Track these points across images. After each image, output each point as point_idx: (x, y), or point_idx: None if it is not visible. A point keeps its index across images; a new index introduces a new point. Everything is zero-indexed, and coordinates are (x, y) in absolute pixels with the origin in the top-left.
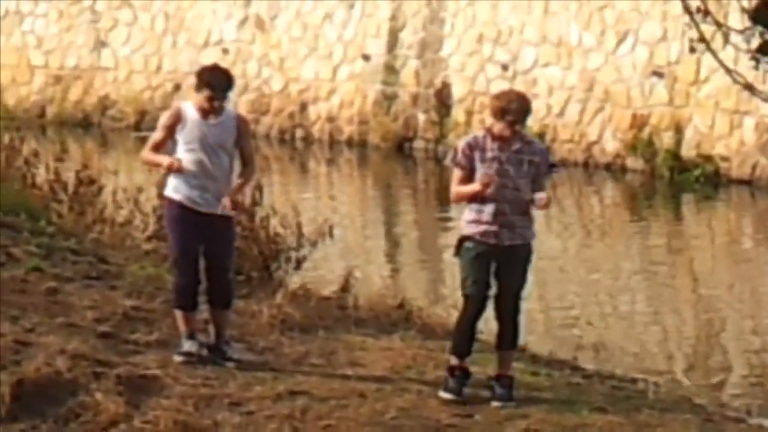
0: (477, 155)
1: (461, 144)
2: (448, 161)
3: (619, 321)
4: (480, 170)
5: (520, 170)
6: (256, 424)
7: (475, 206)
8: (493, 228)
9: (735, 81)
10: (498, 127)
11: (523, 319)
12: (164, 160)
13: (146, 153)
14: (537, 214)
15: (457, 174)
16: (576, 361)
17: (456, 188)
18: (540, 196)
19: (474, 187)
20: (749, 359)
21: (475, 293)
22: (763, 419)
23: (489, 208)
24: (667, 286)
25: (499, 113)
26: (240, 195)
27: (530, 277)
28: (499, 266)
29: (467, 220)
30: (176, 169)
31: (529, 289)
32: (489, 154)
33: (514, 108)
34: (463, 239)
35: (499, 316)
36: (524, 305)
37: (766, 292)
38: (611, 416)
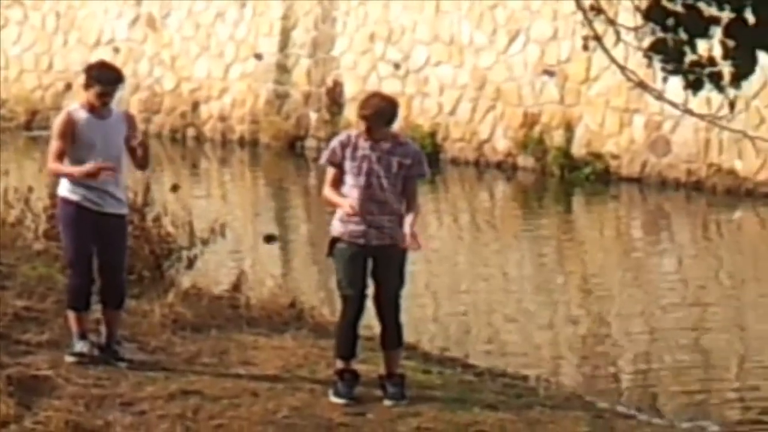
0: (348, 153)
1: (334, 142)
2: (322, 160)
3: (510, 319)
4: (348, 166)
5: (389, 170)
6: (148, 423)
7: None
8: (361, 227)
9: (628, 79)
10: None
11: (413, 317)
12: (87, 168)
13: (54, 165)
14: (428, 211)
15: (329, 172)
16: (467, 358)
17: (328, 191)
18: (405, 232)
19: (343, 204)
20: (638, 356)
21: (351, 293)
22: (652, 416)
23: (357, 207)
24: (558, 283)
25: (359, 116)
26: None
27: (421, 275)
28: (373, 266)
29: (337, 219)
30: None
31: (421, 287)
32: (359, 152)
33: (363, 112)
34: (334, 240)
35: (381, 317)
36: (415, 303)
37: (656, 289)
38: (503, 413)
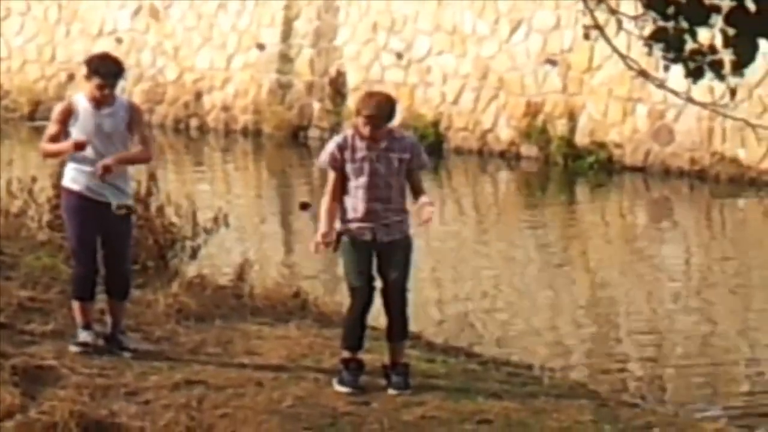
0: (347, 155)
1: (331, 145)
2: (322, 163)
3: (514, 308)
4: (349, 169)
5: (390, 168)
6: (153, 413)
7: (349, 204)
8: (368, 226)
9: (630, 68)
10: (359, 126)
11: (417, 307)
12: (64, 145)
13: (45, 145)
14: (431, 199)
15: (331, 176)
16: (471, 348)
17: (324, 206)
18: (426, 210)
19: (324, 234)
20: (642, 345)
21: (359, 285)
22: (657, 404)
23: (362, 207)
24: (561, 272)
25: (356, 111)
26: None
27: (425, 264)
28: (379, 260)
29: (343, 218)
30: (82, 146)
31: (425, 277)
32: (359, 154)
33: (366, 113)
34: (340, 234)
35: (387, 310)
36: (420, 292)
37: (659, 278)
38: (507, 402)
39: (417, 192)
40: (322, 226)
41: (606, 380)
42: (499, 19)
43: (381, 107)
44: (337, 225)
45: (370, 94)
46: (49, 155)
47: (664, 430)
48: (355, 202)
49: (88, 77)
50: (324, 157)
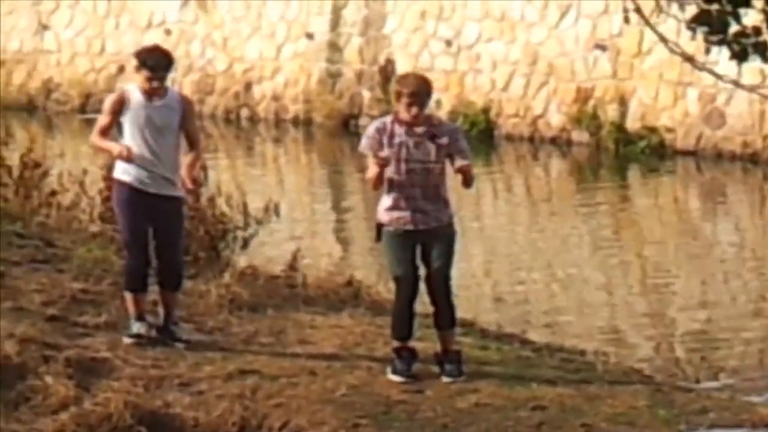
0: (385, 140)
1: (369, 129)
2: (362, 148)
3: (568, 294)
4: (386, 154)
5: (427, 155)
6: (207, 403)
7: (387, 192)
8: (406, 214)
9: (672, 51)
10: (399, 110)
11: (471, 294)
12: (114, 147)
13: (95, 138)
14: (484, 188)
15: (372, 160)
16: (525, 334)
17: (368, 175)
18: (459, 163)
19: (372, 169)
20: (697, 329)
21: (403, 275)
22: (711, 388)
23: (400, 194)
24: (615, 258)
25: (396, 96)
26: (195, 171)
27: (478, 251)
28: (422, 250)
29: (382, 207)
30: (126, 158)
31: (478, 264)
32: (396, 139)
33: (408, 91)
34: (380, 225)
35: (433, 298)
36: (473, 280)
37: (713, 263)
38: (561, 389)
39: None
40: (371, 171)
41: (661, 365)
42: (548, 4)
43: (420, 84)
44: (378, 214)
45: (405, 76)
46: (96, 149)
47: (720, 414)
48: (395, 189)
49: (138, 70)
50: (363, 141)
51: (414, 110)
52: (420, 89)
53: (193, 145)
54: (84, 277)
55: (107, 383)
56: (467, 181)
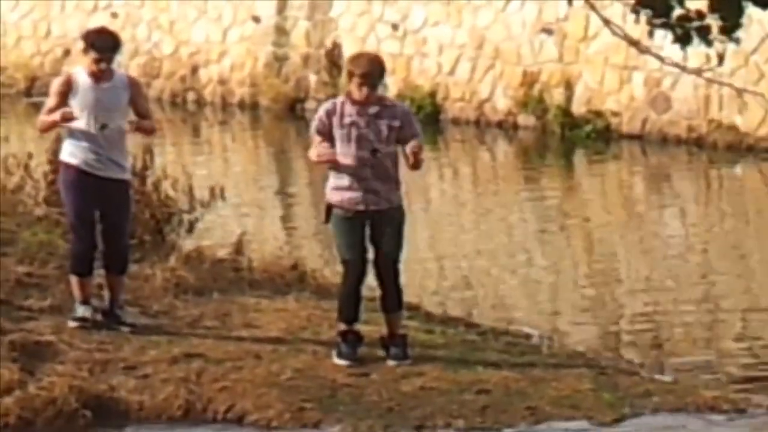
0: (335, 121)
1: (320, 111)
2: (311, 131)
3: (513, 277)
4: (337, 135)
5: (379, 135)
6: (152, 387)
7: (336, 173)
8: (356, 194)
9: (615, 34)
10: (351, 90)
11: (416, 278)
12: (57, 114)
13: (41, 117)
14: (430, 172)
15: (317, 141)
16: (470, 318)
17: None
18: (411, 144)
19: (327, 152)
20: (641, 314)
21: (352, 257)
22: (656, 372)
23: (350, 174)
24: (561, 242)
25: (349, 76)
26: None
27: (424, 235)
28: (371, 231)
29: (331, 187)
30: (69, 117)
31: (423, 247)
32: (346, 120)
33: (359, 71)
34: (330, 207)
35: (380, 280)
36: (418, 263)
37: (658, 247)
38: (506, 372)
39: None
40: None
41: (605, 348)
42: None
43: (373, 64)
44: (328, 195)
45: (359, 55)
46: (44, 129)
47: (664, 398)
48: (345, 170)
49: (85, 51)
50: (313, 124)
51: (365, 90)
52: (372, 70)
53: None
54: (29, 260)
55: (52, 367)
56: (417, 163)
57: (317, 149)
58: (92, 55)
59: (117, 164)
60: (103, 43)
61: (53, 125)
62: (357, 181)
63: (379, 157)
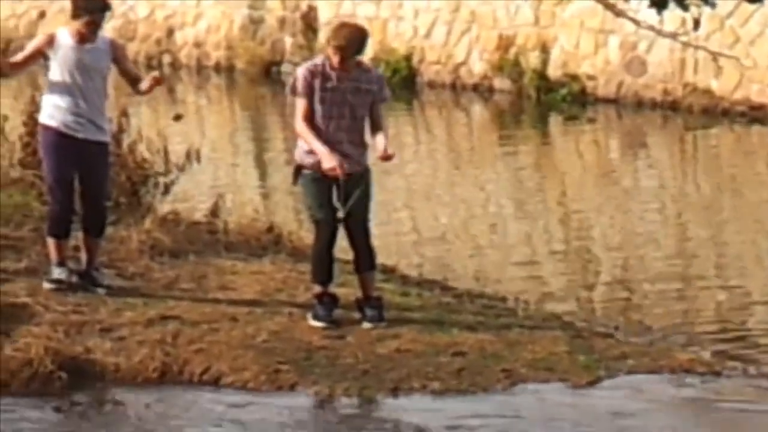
0: (317, 83)
1: (301, 71)
2: (292, 90)
3: (489, 240)
4: (317, 97)
5: (357, 99)
6: (128, 349)
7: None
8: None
9: None
10: (330, 55)
11: (392, 241)
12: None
13: (5, 60)
14: (406, 135)
15: (300, 103)
16: (446, 280)
17: (302, 128)
18: (381, 148)
19: (323, 156)
20: (616, 276)
21: (323, 217)
22: (631, 335)
23: (326, 138)
24: (536, 204)
25: (327, 41)
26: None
27: (400, 198)
28: (340, 191)
29: (304, 150)
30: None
31: (399, 211)
32: (329, 83)
33: (335, 44)
34: (300, 167)
35: (352, 242)
36: (394, 227)
37: (634, 210)
38: (482, 335)
39: (376, 126)
40: (320, 150)
41: (580, 311)
42: None
43: (351, 38)
44: (297, 157)
45: (342, 25)
46: (11, 68)
47: (639, 360)
48: (321, 133)
49: (76, 15)
50: (296, 83)
51: (336, 60)
52: (348, 44)
53: (135, 82)
54: (4, 222)
55: (27, 329)
56: (387, 159)
57: (330, 162)
58: (85, 18)
59: (97, 126)
60: (94, 5)
61: (22, 65)
62: (332, 145)
63: (357, 121)
